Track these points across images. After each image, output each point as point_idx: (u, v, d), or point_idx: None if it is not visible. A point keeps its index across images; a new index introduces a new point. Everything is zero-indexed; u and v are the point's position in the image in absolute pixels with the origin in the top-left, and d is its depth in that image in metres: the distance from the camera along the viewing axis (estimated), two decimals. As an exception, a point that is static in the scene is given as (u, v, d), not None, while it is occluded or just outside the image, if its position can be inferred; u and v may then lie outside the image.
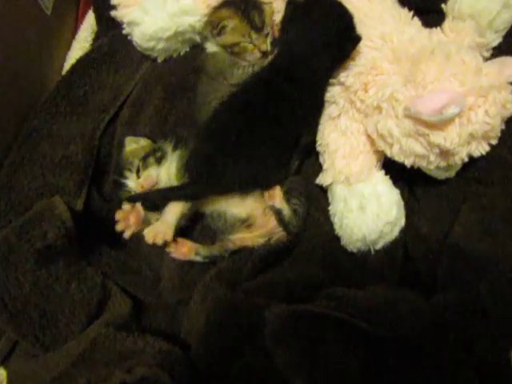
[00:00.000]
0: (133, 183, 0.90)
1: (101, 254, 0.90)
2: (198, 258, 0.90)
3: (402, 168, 0.90)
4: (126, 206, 0.85)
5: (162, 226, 0.84)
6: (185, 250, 0.89)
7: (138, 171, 0.89)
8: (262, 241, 0.93)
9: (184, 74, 1.08)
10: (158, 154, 0.91)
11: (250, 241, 0.92)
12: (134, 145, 0.95)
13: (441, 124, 0.77)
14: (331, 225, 0.96)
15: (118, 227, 0.83)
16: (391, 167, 0.94)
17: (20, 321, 0.75)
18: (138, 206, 0.85)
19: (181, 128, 1.03)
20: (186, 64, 1.09)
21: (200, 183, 0.85)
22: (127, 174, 0.90)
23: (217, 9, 0.97)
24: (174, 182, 0.90)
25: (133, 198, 0.88)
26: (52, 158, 0.92)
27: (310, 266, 0.94)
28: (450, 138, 0.78)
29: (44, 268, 0.76)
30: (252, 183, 0.87)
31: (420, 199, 0.98)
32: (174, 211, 0.86)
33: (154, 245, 0.96)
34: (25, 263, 0.76)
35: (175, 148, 0.94)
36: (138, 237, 0.99)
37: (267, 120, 0.84)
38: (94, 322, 0.81)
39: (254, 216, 0.92)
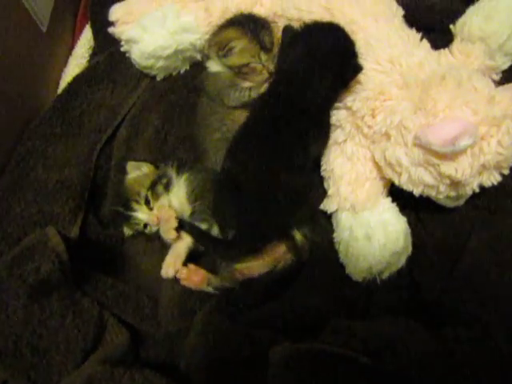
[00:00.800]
0: (144, 215, 0.87)
1: (97, 282, 0.87)
2: (209, 289, 0.86)
3: (408, 194, 0.87)
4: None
5: (172, 257, 0.83)
6: (197, 279, 0.85)
7: (147, 202, 0.86)
8: (267, 269, 0.90)
9: (184, 93, 1.05)
10: (164, 181, 0.88)
11: (256, 270, 0.89)
12: (137, 172, 0.91)
13: (452, 154, 0.75)
14: (336, 252, 0.92)
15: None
16: (397, 193, 0.91)
17: (10, 359, 0.72)
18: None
19: (181, 149, 1.00)
20: (186, 82, 1.06)
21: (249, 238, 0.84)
22: (135, 206, 0.87)
23: (223, 28, 0.94)
24: (186, 207, 0.88)
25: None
26: (46, 184, 0.88)
27: (313, 296, 0.91)
28: (461, 168, 0.75)
29: (37, 303, 0.73)
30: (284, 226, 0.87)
31: (427, 226, 0.95)
32: (185, 240, 0.85)
33: (152, 272, 0.95)
34: (16, 299, 0.73)
35: (179, 172, 0.91)
36: (136, 263, 0.97)
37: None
38: (89, 356, 0.77)
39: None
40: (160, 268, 0.94)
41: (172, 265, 0.83)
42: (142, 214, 0.87)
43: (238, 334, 0.83)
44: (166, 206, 0.87)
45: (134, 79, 1.06)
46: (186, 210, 0.88)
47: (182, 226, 0.86)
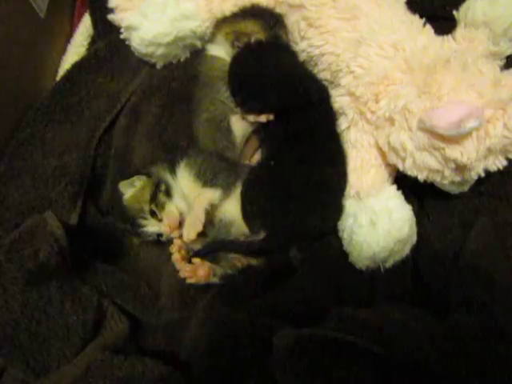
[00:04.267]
0: (155, 227, 0.85)
1: (96, 270, 0.85)
2: (215, 280, 0.84)
3: (411, 182, 0.86)
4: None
5: (193, 219, 0.80)
6: (204, 274, 0.82)
7: (154, 214, 0.84)
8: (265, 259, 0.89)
9: (184, 81, 1.03)
10: (163, 187, 0.85)
11: (254, 259, 0.87)
12: (131, 189, 0.88)
13: (457, 138, 0.74)
14: (339, 240, 0.91)
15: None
16: (401, 181, 0.90)
17: (9, 346, 0.70)
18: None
19: (181, 137, 0.98)
20: (186, 70, 1.04)
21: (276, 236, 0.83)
22: (143, 222, 0.85)
23: (241, 18, 0.92)
24: (197, 190, 0.85)
25: (199, 253, 0.84)
26: (45, 169, 0.87)
27: (316, 284, 0.90)
28: (466, 152, 0.74)
29: (35, 289, 0.71)
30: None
31: (430, 214, 0.95)
32: (202, 204, 0.82)
33: (153, 260, 0.93)
34: (14, 284, 0.71)
35: (173, 169, 0.89)
36: (136, 252, 0.96)
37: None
38: (88, 344, 0.76)
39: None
40: (160, 256, 0.93)
41: (193, 225, 0.80)
42: (152, 228, 0.85)
43: (240, 322, 0.82)
44: (174, 212, 0.85)
45: (133, 67, 1.04)
46: (197, 189, 0.86)
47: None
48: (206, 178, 0.86)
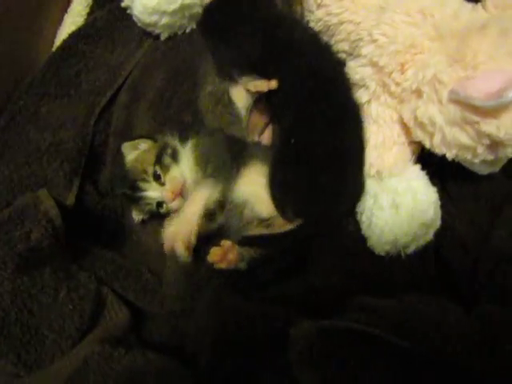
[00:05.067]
0: (156, 193, 0.77)
1: (95, 256, 0.78)
2: (243, 265, 0.76)
3: (436, 163, 0.80)
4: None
5: (183, 225, 0.72)
6: (233, 257, 0.74)
7: (157, 177, 0.77)
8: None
9: (189, 54, 0.96)
10: (170, 151, 0.79)
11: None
12: (135, 151, 0.82)
13: (493, 111, 0.66)
14: (356, 224, 0.84)
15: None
16: (422, 160, 0.83)
17: (-1, 337, 0.63)
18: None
19: (186, 113, 0.91)
20: (192, 43, 0.97)
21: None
22: (144, 185, 0.77)
23: None
24: (196, 173, 0.79)
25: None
26: (39, 145, 0.80)
27: (332, 271, 0.84)
28: (504, 126, 0.67)
29: (27, 275, 0.64)
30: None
31: (455, 197, 0.88)
32: (198, 204, 0.74)
33: (155, 245, 0.86)
34: (4, 269, 0.64)
35: (182, 139, 0.82)
36: (137, 236, 0.89)
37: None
38: (86, 336, 0.69)
39: (276, 216, 0.80)
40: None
41: (182, 235, 0.72)
42: (153, 192, 0.77)
43: (251, 311, 0.76)
44: (179, 177, 0.78)
45: (135, 38, 0.97)
46: (197, 175, 0.79)
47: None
48: (207, 168, 0.79)
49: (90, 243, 0.80)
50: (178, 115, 0.92)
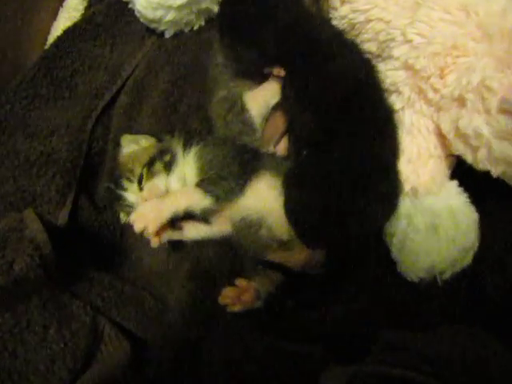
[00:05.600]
0: (133, 196, 0.70)
1: (90, 280, 0.69)
2: (259, 305, 0.68)
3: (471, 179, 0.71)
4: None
5: (154, 212, 0.66)
6: (248, 298, 0.67)
7: (140, 181, 0.69)
8: (301, 263, 0.73)
9: (197, 53, 0.89)
10: (167, 158, 0.71)
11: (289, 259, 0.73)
12: (133, 146, 0.75)
13: (552, 123, 0.57)
14: (384, 247, 0.75)
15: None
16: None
17: (-24, 383, 0.54)
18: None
19: (194, 119, 0.84)
20: (199, 41, 0.88)
21: None
22: (126, 184, 0.70)
23: None
24: (193, 180, 0.71)
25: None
26: (27, 156, 0.70)
27: (358, 299, 0.74)
28: None
29: (9, 311, 0.55)
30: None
31: (493, 214, 0.78)
32: (180, 202, 0.68)
33: (159, 267, 0.77)
34: (-17, 305, 0.54)
35: (187, 146, 0.74)
36: (138, 255, 0.80)
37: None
38: (79, 377, 0.60)
39: (295, 240, 0.72)
40: (167, 261, 0.78)
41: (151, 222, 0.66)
42: (131, 194, 0.70)
43: (269, 346, 0.67)
44: (159, 187, 0.70)
45: (137, 36, 0.90)
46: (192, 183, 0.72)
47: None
48: (207, 181, 0.71)
49: (84, 265, 0.70)
50: (185, 121, 0.84)
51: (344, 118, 0.68)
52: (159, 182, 0.69)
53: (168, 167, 0.70)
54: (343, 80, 0.67)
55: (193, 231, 0.73)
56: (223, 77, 0.77)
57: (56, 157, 0.72)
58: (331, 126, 0.69)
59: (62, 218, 0.69)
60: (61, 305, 0.62)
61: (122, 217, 0.75)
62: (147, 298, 0.75)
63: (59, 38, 0.85)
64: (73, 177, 0.73)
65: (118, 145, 0.82)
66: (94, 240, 0.74)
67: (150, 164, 0.70)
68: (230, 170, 0.70)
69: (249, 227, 0.73)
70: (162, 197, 0.68)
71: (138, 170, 0.69)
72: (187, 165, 0.72)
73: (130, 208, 0.70)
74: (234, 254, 0.77)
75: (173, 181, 0.70)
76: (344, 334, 0.72)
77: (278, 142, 0.79)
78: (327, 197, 0.66)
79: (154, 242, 0.69)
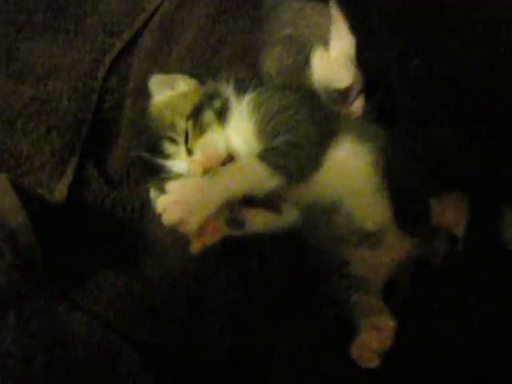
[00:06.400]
0: (182, 164, 0.51)
1: (98, 284, 0.48)
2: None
3: None
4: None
5: (197, 195, 0.46)
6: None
7: (186, 139, 0.51)
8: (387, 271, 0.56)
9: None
10: (217, 104, 0.52)
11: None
12: (168, 91, 0.56)
13: None
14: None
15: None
16: None
17: None
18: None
19: (241, 65, 0.65)
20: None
21: None
22: (167, 147, 0.51)
23: None
24: (252, 144, 0.51)
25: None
26: (11, 103, 0.49)
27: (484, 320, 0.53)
28: None
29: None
30: None
31: None
32: (239, 176, 0.48)
33: (195, 265, 0.57)
34: None
35: (239, 92, 0.55)
36: (163, 249, 0.59)
37: None
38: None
39: (386, 230, 0.54)
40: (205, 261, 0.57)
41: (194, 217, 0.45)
42: (178, 162, 0.51)
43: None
44: (216, 143, 0.51)
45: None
46: (253, 148, 0.52)
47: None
48: (274, 152, 0.51)
49: (89, 263, 0.49)
50: (229, 68, 0.65)
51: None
52: (215, 137, 0.50)
53: (222, 117, 0.51)
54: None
55: (258, 222, 0.54)
56: (288, 8, 0.60)
57: (53, 106, 0.51)
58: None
59: (59, 192, 0.48)
60: (53, 323, 0.41)
61: (152, 195, 0.54)
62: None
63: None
64: (76, 136, 0.53)
65: (139, 97, 0.62)
66: (103, 226, 0.54)
67: (196, 114, 0.51)
68: (305, 134, 0.51)
69: (321, 214, 0.53)
70: (208, 175, 0.48)
71: (180, 124, 0.51)
72: (241, 119, 0.52)
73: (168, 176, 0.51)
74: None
75: (233, 136, 0.51)
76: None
77: (353, 101, 0.60)
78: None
79: (196, 247, 0.49)
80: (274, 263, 0.58)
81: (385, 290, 0.55)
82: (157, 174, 0.52)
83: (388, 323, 0.48)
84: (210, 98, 0.53)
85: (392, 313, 0.50)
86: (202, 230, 0.48)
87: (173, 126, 0.51)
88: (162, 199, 0.46)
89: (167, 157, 0.51)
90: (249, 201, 0.52)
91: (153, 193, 0.54)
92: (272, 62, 0.61)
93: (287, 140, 0.50)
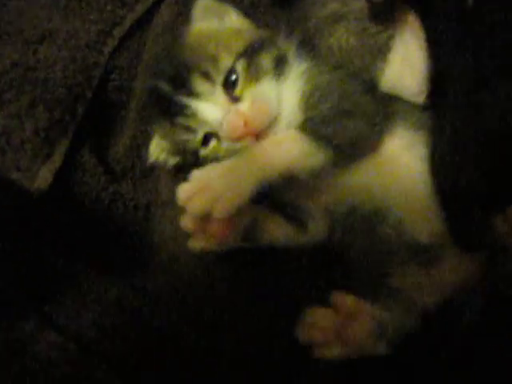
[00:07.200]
0: (209, 106, 0.41)
1: (84, 298, 0.38)
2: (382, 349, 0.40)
3: None
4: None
5: (229, 176, 0.38)
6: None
7: (231, 83, 0.42)
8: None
9: None
10: (275, 52, 0.45)
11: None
12: (215, 21, 0.48)
13: None
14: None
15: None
16: None
17: None
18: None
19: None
20: None
21: None
22: (197, 82, 0.42)
23: None
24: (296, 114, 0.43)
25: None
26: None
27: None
28: None
29: None
30: None
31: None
32: (278, 151, 0.40)
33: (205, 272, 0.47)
34: None
35: (300, 53, 0.46)
36: (172, 252, 0.50)
37: None
38: None
39: (443, 245, 0.44)
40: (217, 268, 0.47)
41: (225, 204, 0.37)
42: (208, 106, 0.42)
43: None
44: (273, 100, 0.43)
45: None
46: (295, 120, 0.43)
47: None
48: (320, 120, 0.42)
49: (73, 270, 0.39)
50: None
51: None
52: (271, 92, 0.42)
53: (278, 70, 0.43)
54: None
55: (277, 234, 0.45)
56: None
57: (40, 75, 0.42)
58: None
59: (42, 178, 0.39)
60: (16, 341, 0.31)
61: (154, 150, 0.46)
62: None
63: None
64: (70, 113, 0.43)
65: (152, 77, 0.53)
66: (96, 224, 0.44)
67: (251, 55, 0.43)
68: (358, 101, 0.43)
69: (360, 224, 0.44)
70: (239, 153, 0.40)
71: (225, 61, 0.42)
72: (292, 85, 0.44)
73: (194, 133, 0.42)
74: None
75: (288, 92, 0.43)
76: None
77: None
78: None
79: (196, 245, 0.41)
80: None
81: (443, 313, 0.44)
82: (170, 117, 0.42)
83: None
84: (268, 42, 0.45)
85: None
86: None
87: (214, 61, 0.42)
88: (183, 186, 0.37)
89: (194, 95, 0.42)
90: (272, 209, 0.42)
91: (155, 142, 0.46)
92: (335, 39, 0.51)
93: (335, 106, 0.41)
